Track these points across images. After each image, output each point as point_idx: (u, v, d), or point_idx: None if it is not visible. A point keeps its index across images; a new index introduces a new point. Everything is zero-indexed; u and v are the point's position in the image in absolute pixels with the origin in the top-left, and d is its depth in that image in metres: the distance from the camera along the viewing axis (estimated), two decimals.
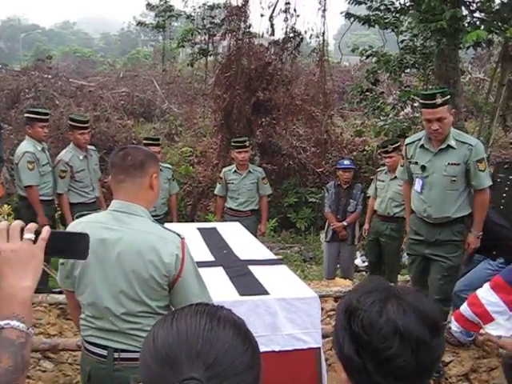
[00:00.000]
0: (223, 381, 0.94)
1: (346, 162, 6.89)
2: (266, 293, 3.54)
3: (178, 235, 2.46)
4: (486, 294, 2.86)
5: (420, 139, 4.50)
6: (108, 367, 2.41)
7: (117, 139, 12.24)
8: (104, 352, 2.43)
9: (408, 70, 9.21)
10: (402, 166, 4.76)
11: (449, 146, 4.33)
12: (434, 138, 4.35)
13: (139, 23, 15.34)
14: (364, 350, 1.19)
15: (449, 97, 4.33)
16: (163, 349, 0.98)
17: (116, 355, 2.41)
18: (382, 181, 6.31)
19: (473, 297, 2.94)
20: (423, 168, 4.43)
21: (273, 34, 11.32)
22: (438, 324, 1.23)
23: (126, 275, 2.37)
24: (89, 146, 6.48)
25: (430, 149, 4.41)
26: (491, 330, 2.73)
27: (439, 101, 4.22)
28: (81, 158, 6.24)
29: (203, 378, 0.93)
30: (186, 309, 1.06)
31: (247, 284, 3.68)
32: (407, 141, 4.70)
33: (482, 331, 2.73)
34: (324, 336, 3.83)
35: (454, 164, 4.32)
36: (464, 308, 2.94)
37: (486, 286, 2.91)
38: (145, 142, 6.72)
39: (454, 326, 3.09)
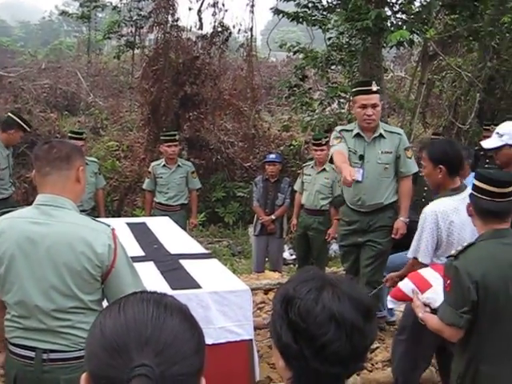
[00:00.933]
0: (173, 366, 0.95)
1: (273, 156, 6.97)
2: (197, 286, 3.55)
3: (108, 226, 2.44)
4: (425, 269, 3.13)
5: (352, 130, 4.62)
6: (36, 369, 2.33)
7: (39, 133, 11.79)
8: (31, 354, 2.34)
9: (334, 67, 9.42)
10: (337, 143, 4.52)
11: (381, 135, 4.52)
12: (367, 125, 4.48)
13: (62, 13, 14.86)
14: (301, 337, 1.23)
15: (380, 88, 4.57)
16: (112, 337, 0.97)
17: (45, 356, 2.33)
18: (309, 175, 6.41)
19: (413, 272, 3.20)
20: (361, 157, 4.54)
21: (201, 28, 11.26)
22: (371, 310, 1.29)
23: (58, 269, 2.31)
24: None
25: (364, 138, 4.55)
26: (427, 297, 2.88)
27: (374, 88, 4.45)
28: (4, 155, 6.12)
29: (153, 364, 0.93)
30: (132, 297, 1.05)
31: (179, 278, 3.68)
32: (340, 128, 4.77)
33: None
34: (255, 328, 3.88)
35: (387, 152, 4.53)
36: (403, 282, 3.15)
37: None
38: (69, 135, 6.57)
39: (390, 301, 3.29)
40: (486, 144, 4.04)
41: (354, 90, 4.63)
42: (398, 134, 4.62)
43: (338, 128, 4.79)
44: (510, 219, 2.58)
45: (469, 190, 3.53)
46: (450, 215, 3.42)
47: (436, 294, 2.86)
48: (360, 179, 4.53)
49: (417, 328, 3.60)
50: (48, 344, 2.34)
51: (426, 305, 2.86)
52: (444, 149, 3.52)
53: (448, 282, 2.50)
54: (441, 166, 3.45)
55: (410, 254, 3.60)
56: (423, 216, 3.50)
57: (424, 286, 2.98)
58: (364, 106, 4.44)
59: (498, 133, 3.94)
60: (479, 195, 2.53)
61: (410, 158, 4.64)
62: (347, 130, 4.66)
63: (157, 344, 0.96)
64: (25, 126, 6.23)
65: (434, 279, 3.00)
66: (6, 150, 6.17)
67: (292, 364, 1.28)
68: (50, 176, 2.40)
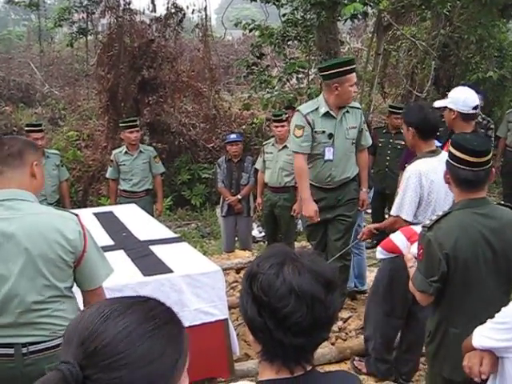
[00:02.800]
0: (98, 372, 0.97)
1: (234, 136, 6.94)
2: (169, 271, 3.58)
3: (72, 213, 2.49)
4: (416, 226, 3.17)
5: (317, 108, 4.52)
6: (17, 365, 2.33)
7: None
8: (10, 350, 2.33)
9: (290, 43, 9.42)
10: (298, 137, 4.52)
11: (347, 111, 4.58)
12: (349, 101, 4.55)
13: (9, 1, 14.43)
14: (264, 310, 1.30)
15: None
16: (66, 333, 1.04)
17: (24, 350, 2.33)
18: (271, 153, 6.41)
19: (405, 227, 3.30)
20: (330, 136, 4.54)
21: (154, 10, 11.11)
22: (332, 282, 1.34)
23: (33, 262, 2.31)
24: None
25: (334, 115, 4.53)
26: (415, 248, 2.92)
27: (355, 66, 4.58)
28: None
29: (76, 365, 0.97)
30: (102, 301, 1.10)
31: (150, 264, 3.70)
32: (305, 110, 4.57)
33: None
34: (229, 307, 3.93)
35: (353, 127, 4.60)
36: (394, 234, 3.23)
37: None
38: (27, 129, 6.46)
39: (380, 252, 3.36)
40: (435, 103, 4.16)
41: (343, 69, 4.37)
42: (358, 108, 4.72)
43: (303, 110, 4.57)
44: (486, 188, 2.62)
45: (444, 155, 3.66)
46: (431, 175, 3.57)
47: None
48: (331, 158, 4.56)
49: (389, 285, 3.78)
50: (26, 337, 2.34)
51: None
52: (414, 113, 3.68)
53: (421, 251, 2.58)
54: (410, 128, 3.64)
55: (393, 211, 3.73)
56: (407, 175, 3.63)
57: (414, 236, 3.03)
58: (354, 84, 4.47)
59: (446, 94, 4.08)
60: (456, 164, 2.55)
61: (367, 130, 4.82)
62: (313, 111, 4.53)
63: (88, 347, 0.99)
64: None
65: None
66: None
67: (259, 337, 1.34)
68: (5, 174, 2.39)
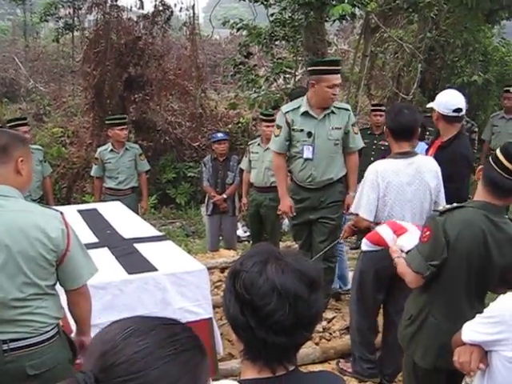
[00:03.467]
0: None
1: (220, 135, 6.92)
2: (154, 269, 3.55)
3: (56, 210, 2.45)
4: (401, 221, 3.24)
5: (299, 107, 4.58)
6: None
7: None
8: None
9: (278, 43, 9.42)
10: (276, 136, 4.67)
11: (332, 111, 4.55)
12: (330, 103, 4.50)
13: None
14: (246, 309, 1.29)
15: None
16: (91, 343, 1.06)
17: (5, 347, 2.31)
18: (256, 152, 6.41)
19: (388, 221, 3.33)
20: (309, 134, 4.55)
21: (142, 7, 11.07)
22: (316, 281, 1.33)
23: (13, 259, 2.28)
24: None
25: (314, 115, 4.54)
26: (403, 240, 2.96)
27: (339, 67, 4.53)
28: None
29: (92, 377, 0.97)
30: (133, 317, 1.09)
31: (135, 262, 3.67)
32: (286, 109, 4.69)
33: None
34: (213, 307, 3.92)
35: (337, 128, 4.56)
36: (380, 227, 3.24)
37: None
38: (10, 124, 6.26)
39: (365, 244, 3.37)
40: (428, 104, 4.26)
41: (321, 68, 4.46)
42: (347, 110, 4.65)
43: (284, 109, 4.71)
44: (509, 199, 2.60)
45: (419, 158, 3.69)
46: (389, 176, 3.57)
47: (411, 237, 2.96)
48: (310, 157, 4.58)
49: (359, 286, 3.84)
50: (7, 334, 2.32)
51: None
52: (389, 113, 3.75)
53: (427, 233, 2.59)
54: (387, 129, 3.68)
55: (352, 209, 3.80)
56: (366, 174, 3.68)
57: (400, 230, 3.07)
58: (333, 86, 4.43)
59: (432, 97, 4.17)
60: (497, 168, 2.49)
61: (357, 133, 4.73)
62: (294, 109, 4.61)
63: (106, 361, 0.99)
64: None
65: (410, 226, 3.11)
66: None
67: (241, 335, 1.34)
68: None
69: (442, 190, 3.69)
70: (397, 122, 3.59)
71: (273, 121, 6.19)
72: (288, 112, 4.62)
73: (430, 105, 4.09)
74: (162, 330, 1.04)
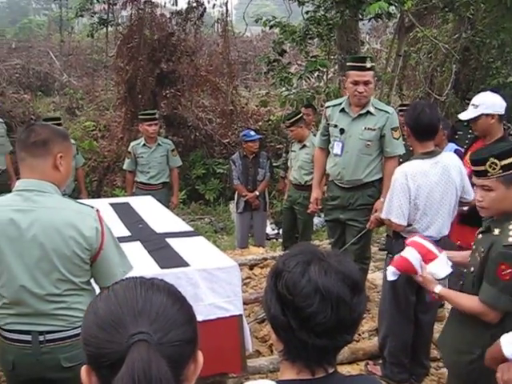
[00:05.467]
0: (168, 332, 1.00)
1: (253, 133, 6.92)
2: (186, 264, 3.56)
3: (92, 207, 2.44)
4: (420, 238, 2.97)
5: (340, 104, 4.61)
6: (34, 352, 2.35)
7: (13, 114, 11.59)
8: (27, 337, 2.36)
9: (312, 41, 9.37)
10: (318, 130, 4.82)
11: (368, 112, 4.49)
12: (358, 101, 4.46)
13: None
14: (288, 309, 1.28)
15: (374, 64, 4.57)
16: (106, 316, 1.02)
17: (41, 338, 2.35)
18: (294, 151, 6.45)
19: (413, 241, 2.94)
20: (342, 131, 4.55)
21: (175, 3, 11.11)
22: (359, 284, 1.31)
23: (47, 255, 2.30)
24: None
25: (349, 113, 4.54)
26: (435, 268, 2.77)
27: (368, 65, 4.41)
28: None
29: (150, 331, 0.98)
30: (119, 282, 1.11)
31: (167, 257, 3.69)
32: (328, 104, 4.82)
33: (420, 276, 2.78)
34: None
35: (371, 129, 4.47)
36: (407, 252, 2.88)
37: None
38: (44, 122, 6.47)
39: (392, 273, 3.01)
40: (463, 116, 4.09)
41: (348, 64, 4.59)
42: (387, 112, 4.50)
43: (327, 104, 4.84)
44: None
45: (443, 156, 3.63)
46: (419, 178, 3.51)
47: (441, 263, 2.78)
48: (339, 153, 4.58)
49: (393, 287, 3.75)
50: (44, 326, 2.35)
51: None
52: (413, 113, 3.60)
53: (509, 271, 2.42)
54: (408, 129, 3.61)
55: (383, 215, 3.70)
56: (394, 177, 3.60)
57: (428, 255, 2.81)
58: (356, 83, 4.40)
59: (473, 104, 3.98)
60: None
61: (397, 138, 4.51)
62: (335, 105, 4.67)
63: (149, 314, 1.01)
64: None
65: (435, 249, 2.84)
66: None
67: (281, 336, 1.32)
68: (26, 161, 2.36)
69: (468, 183, 3.63)
70: (420, 122, 3.53)
71: (287, 127, 6.42)
72: (329, 107, 4.71)
73: (474, 114, 3.92)
74: (158, 282, 1.09)
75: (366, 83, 4.40)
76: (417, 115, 3.54)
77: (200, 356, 1.09)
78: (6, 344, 2.40)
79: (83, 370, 1.04)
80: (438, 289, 2.68)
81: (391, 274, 3.00)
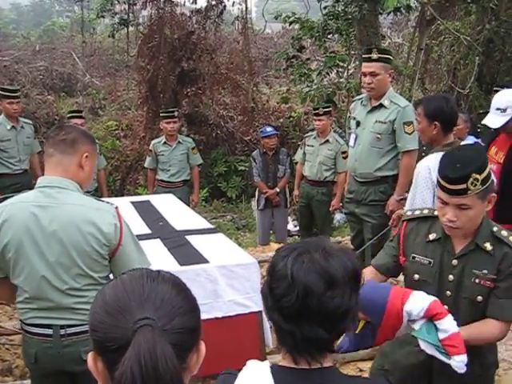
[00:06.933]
0: (172, 319, 1.03)
1: (269, 129, 6.88)
2: (205, 261, 3.58)
3: (111, 204, 2.48)
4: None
5: (363, 97, 4.70)
6: (56, 346, 2.40)
7: (38, 115, 11.75)
8: (49, 331, 2.40)
9: (331, 36, 9.32)
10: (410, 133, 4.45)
11: (381, 105, 4.48)
12: (368, 92, 4.51)
13: None
14: (267, 289, 1.39)
15: (387, 56, 4.48)
16: (113, 302, 1.05)
17: (62, 332, 2.39)
18: (311, 146, 6.39)
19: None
20: (358, 123, 4.59)
21: (195, 2, 11.14)
22: (336, 280, 1.33)
23: (67, 251, 2.35)
24: (22, 119, 6.51)
25: (366, 105, 4.58)
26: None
27: (374, 56, 4.40)
28: (8, 127, 6.21)
29: (155, 317, 1.01)
30: (127, 272, 1.14)
31: (186, 254, 3.71)
32: (355, 98, 4.99)
33: None
34: None
35: (381, 122, 4.46)
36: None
37: None
38: (69, 115, 6.59)
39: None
40: (492, 124, 3.73)
41: (363, 56, 4.75)
42: (399, 105, 4.43)
43: (354, 98, 5.05)
44: None
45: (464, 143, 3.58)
46: None
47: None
48: (352, 145, 4.67)
49: None
50: (64, 320, 2.39)
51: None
52: (440, 105, 3.51)
53: None
54: (436, 123, 3.48)
55: (406, 209, 3.62)
56: (417, 171, 3.52)
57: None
58: (364, 74, 4.46)
59: (499, 108, 3.67)
60: None
61: (410, 133, 4.41)
62: (360, 98, 4.77)
63: (155, 301, 1.04)
64: (2, 92, 6.28)
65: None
66: (10, 122, 6.22)
67: (267, 316, 1.43)
68: (53, 158, 2.42)
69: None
70: (453, 114, 3.49)
71: (318, 115, 6.22)
72: (355, 100, 4.83)
73: (505, 120, 3.63)
74: (162, 273, 1.12)
75: (372, 74, 4.39)
76: (450, 107, 3.49)
77: (202, 346, 1.12)
78: (28, 338, 2.45)
79: (90, 356, 1.07)
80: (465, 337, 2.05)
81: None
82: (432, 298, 1.93)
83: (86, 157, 2.45)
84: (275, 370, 1.39)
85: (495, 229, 2.25)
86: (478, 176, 2.08)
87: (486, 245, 2.22)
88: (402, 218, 2.47)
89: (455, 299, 2.20)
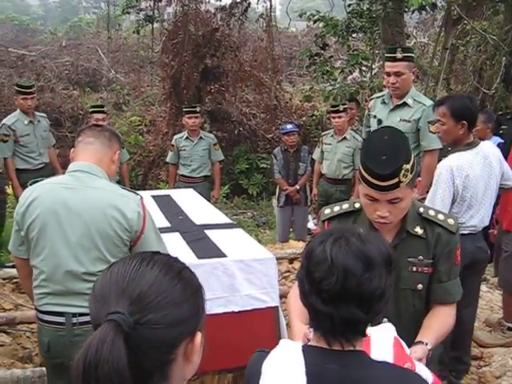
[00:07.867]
0: (147, 314, 1.01)
1: (289, 126, 6.90)
2: (223, 255, 3.58)
3: (137, 194, 2.57)
4: None
5: (383, 95, 4.66)
6: (68, 334, 2.42)
7: (63, 110, 11.94)
8: (61, 319, 2.43)
9: (355, 35, 9.27)
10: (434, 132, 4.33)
11: (405, 104, 4.45)
12: (392, 92, 4.47)
13: None
14: (304, 273, 1.42)
15: (411, 54, 4.48)
16: (98, 290, 1.07)
17: (74, 320, 2.42)
18: (329, 144, 6.39)
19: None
20: (379, 122, 4.55)
21: None
22: (374, 261, 1.37)
23: (90, 233, 2.40)
24: (37, 113, 6.61)
25: (388, 104, 4.55)
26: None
27: (399, 55, 4.36)
28: (26, 122, 6.31)
29: (126, 312, 1.00)
30: (124, 257, 1.14)
31: (204, 247, 3.72)
32: (373, 96, 4.93)
33: None
34: (280, 297, 3.91)
35: (406, 120, 4.42)
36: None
37: None
38: (91, 110, 6.73)
39: None
40: None
41: (385, 55, 4.66)
42: (424, 104, 4.40)
43: (372, 96, 4.99)
44: None
45: (482, 145, 3.55)
46: (466, 169, 3.45)
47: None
48: None
49: None
50: (76, 308, 2.42)
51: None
52: (466, 104, 3.49)
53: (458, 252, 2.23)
54: (464, 122, 3.46)
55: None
56: (438, 171, 3.51)
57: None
58: (388, 74, 4.41)
59: None
60: None
61: (434, 132, 4.32)
62: (378, 97, 4.74)
63: (132, 293, 1.03)
64: (17, 88, 6.38)
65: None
66: (27, 117, 6.32)
67: (302, 300, 1.44)
68: (92, 146, 2.55)
69: (507, 169, 3.64)
70: (477, 113, 3.49)
71: (338, 111, 6.25)
72: (373, 98, 4.79)
73: None
74: (160, 257, 1.12)
75: (397, 74, 4.36)
76: (475, 106, 3.50)
77: (198, 337, 1.10)
78: (42, 325, 2.50)
79: None
80: (429, 346, 2.02)
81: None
82: (391, 348, 1.70)
83: (117, 153, 2.64)
84: (306, 349, 1.42)
85: (421, 210, 2.16)
86: (407, 166, 1.96)
87: (416, 229, 2.14)
88: (320, 218, 2.35)
89: (394, 292, 1.90)
